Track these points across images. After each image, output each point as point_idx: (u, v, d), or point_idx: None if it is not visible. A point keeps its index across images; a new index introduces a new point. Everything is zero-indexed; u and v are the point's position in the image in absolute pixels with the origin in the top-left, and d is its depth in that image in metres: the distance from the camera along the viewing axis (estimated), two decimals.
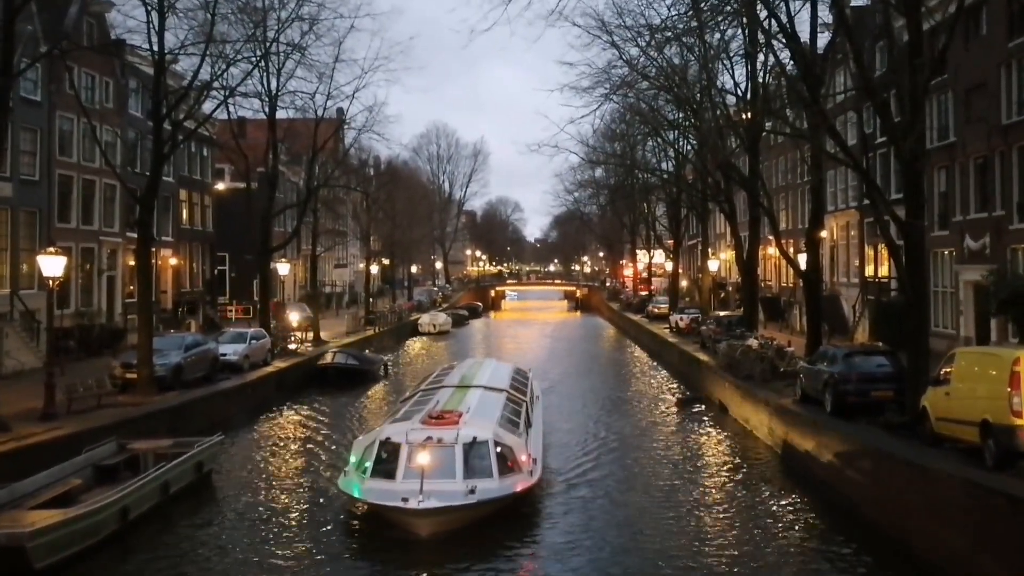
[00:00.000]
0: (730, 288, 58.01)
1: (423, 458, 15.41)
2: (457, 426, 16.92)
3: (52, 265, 22.42)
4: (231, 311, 52.90)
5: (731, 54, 34.58)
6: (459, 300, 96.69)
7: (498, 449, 16.76)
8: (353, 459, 17.54)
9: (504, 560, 15.48)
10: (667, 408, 32.01)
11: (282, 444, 26.13)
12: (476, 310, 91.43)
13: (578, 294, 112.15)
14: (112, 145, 37.19)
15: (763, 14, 25.71)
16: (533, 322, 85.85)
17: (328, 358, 38.64)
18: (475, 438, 16.65)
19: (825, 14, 28.51)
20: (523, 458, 17.26)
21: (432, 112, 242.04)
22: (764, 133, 35.45)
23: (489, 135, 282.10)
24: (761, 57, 32.07)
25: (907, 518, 15.89)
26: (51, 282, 22.85)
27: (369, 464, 16.68)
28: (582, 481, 20.85)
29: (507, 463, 16.84)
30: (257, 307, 46.21)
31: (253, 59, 35.09)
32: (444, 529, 15.49)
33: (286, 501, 19.26)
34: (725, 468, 22.71)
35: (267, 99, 40.48)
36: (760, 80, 32.77)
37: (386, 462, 16.56)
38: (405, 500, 14.88)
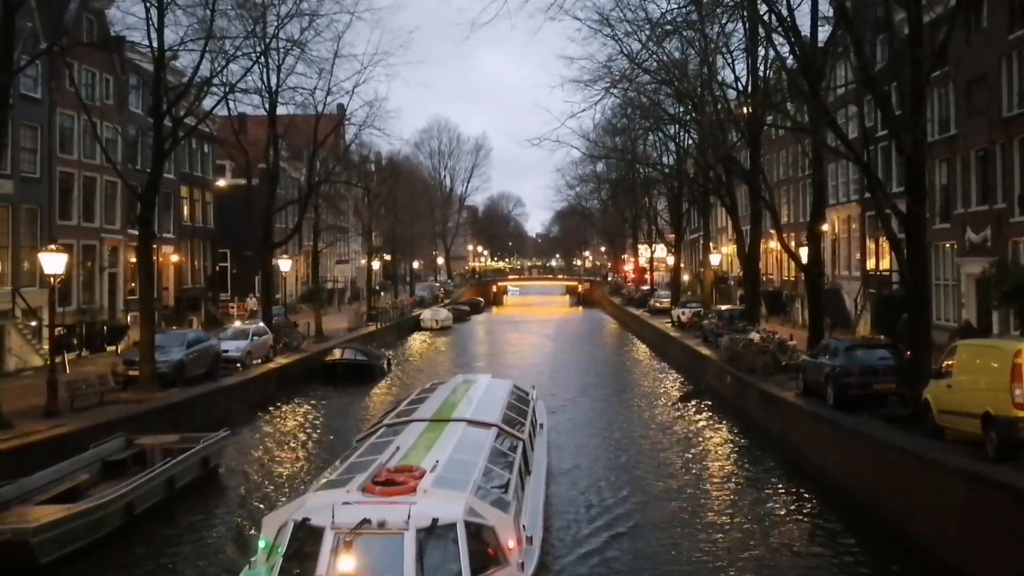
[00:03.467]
0: (731, 282, 57.99)
1: (353, 556, 9.93)
2: (412, 497, 11.03)
3: (53, 262, 22.45)
4: (233, 308, 52.92)
5: (731, 48, 34.55)
6: (461, 295, 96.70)
7: (473, 532, 10.95)
8: (262, 544, 11.46)
9: None
10: (671, 405, 31.81)
11: (285, 440, 26.20)
12: (478, 305, 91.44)
13: (580, 289, 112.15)
14: (113, 142, 37.16)
15: (763, 8, 25.69)
16: (535, 317, 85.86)
17: (337, 354, 38.74)
18: (436, 520, 10.61)
19: (825, 8, 28.45)
20: (510, 543, 11.28)
21: (432, 105, 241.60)
22: (765, 127, 35.40)
23: (490, 127, 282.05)
24: (762, 51, 32.04)
25: (909, 510, 15.90)
26: (52, 279, 22.87)
27: (278, 558, 10.78)
28: (588, 520, 17.38)
29: (486, 551, 11.12)
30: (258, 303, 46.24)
31: (253, 55, 35.12)
32: None
33: (289, 495, 19.29)
34: (730, 467, 22.73)
35: (267, 95, 40.47)
36: (761, 74, 32.75)
37: (301, 555, 10.77)
38: None
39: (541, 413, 22.23)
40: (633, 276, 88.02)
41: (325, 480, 12.65)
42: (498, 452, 14.74)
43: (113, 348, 34.57)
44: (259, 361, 33.85)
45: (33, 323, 31.66)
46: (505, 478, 13.42)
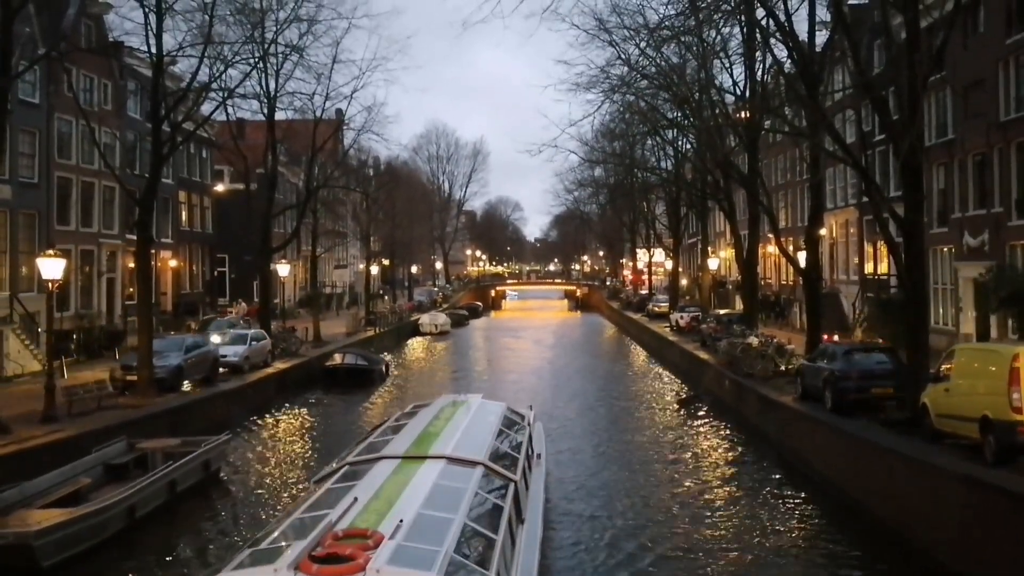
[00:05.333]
0: (730, 286, 58.04)
1: None
2: None
3: (51, 267, 22.39)
4: (231, 313, 52.88)
5: (729, 53, 34.67)
6: (459, 300, 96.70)
7: None
8: None
9: None
10: (671, 411, 31.79)
11: (285, 444, 26.24)
12: (476, 310, 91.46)
13: (578, 293, 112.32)
14: (111, 147, 37.19)
15: (761, 13, 25.76)
16: (533, 322, 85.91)
17: (337, 359, 38.73)
18: None
19: (823, 12, 28.59)
20: None
21: (430, 105, 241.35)
22: (763, 131, 35.47)
23: (488, 127, 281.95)
24: (759, 56, 32.09)
25: (909, 514, 15.92)
26: (50, 284, 22.82)
27: None
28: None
29: None
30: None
31: (251, 60, 35.19)
32: None
33: (289, 497, 19.29)
34: (730, 472, 22.71)
35: (266, 100, 40.53)
36: (758, 78, 32.79)
37: None
38: None
39: (539, 439, 19.57)
40: (632, 279, 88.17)
41: (250, 550, 9.51)
42: (483, 500, 11.81)
43: (111, 353, 34.50)
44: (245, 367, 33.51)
45: (31, 328, 31.64)
46: (489, 539, 10.50)
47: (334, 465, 13.74)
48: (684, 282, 66.54)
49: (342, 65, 50.00)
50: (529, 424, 18.19)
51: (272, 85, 40.40)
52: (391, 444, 13.93)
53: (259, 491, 20.43)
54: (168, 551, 15.99)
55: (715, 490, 20.32)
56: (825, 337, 27.42)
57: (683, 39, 31.30)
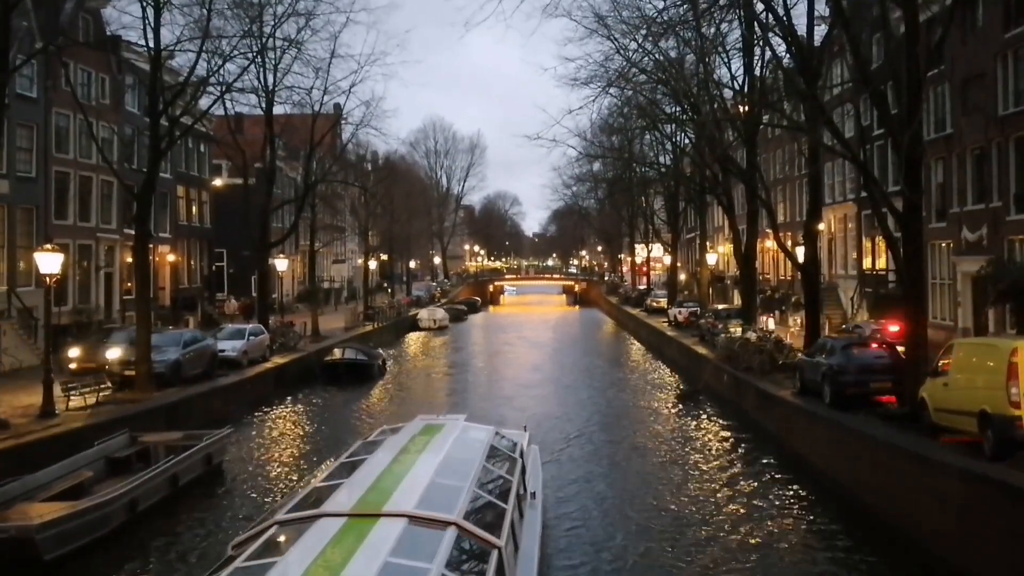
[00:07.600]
0: (728, 281, 58.09)
1: None
2: None
3: (49, 262, 22.38)
4: (225, 306, 52.86)
5: (728, 47, 34.59)
6: (458, 295, 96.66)
7: None
8: None
9: None
10: (670, 406, 31.83)
11: (284, 438, 26.25)
12: (475, 305, 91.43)
13: (576, 288, 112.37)
14: (109, 141, 37.14)
15: (760, 7, 25.76)
16: (532, 317, 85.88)
17: (337, 354, 38.69)
18: None
19: (822, 7, 28.62)
20: None
21: (428, 103, 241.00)
22: (761, 126, 35.43)
23: (484, 119, 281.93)
24: (758, 50, 32.09)
25: (908, 508, 15.93)
26: (48, 279, 22.81)
27: None
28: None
29: None
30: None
31: (249, 54, 35.21)
32: None
33: (289, 490, 19.29)
34: (728, 466, 22.65)
35: (264, 94, 40.48)
36: (757, 73, 32.78)
37: None
38: None
39: (535, 472, 15.46)
40: (630, 273, 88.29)
41: None
42: None
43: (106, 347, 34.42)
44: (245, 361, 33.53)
45: (28, 323, 31.61)
46: None
47: (261, 524, 10.08)
48: (683, 277, 66.56)
49: (340, 59, 50.22)
50: (522, 454, 14.38)
51: (270, 79, 40.42)
52: (338, 493, 10.27)
53: (260, 485, 20.42)
54: (170, 544, 15.99)
55: (713, 485, 20.23)
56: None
57: (681, 33, 31.28)
